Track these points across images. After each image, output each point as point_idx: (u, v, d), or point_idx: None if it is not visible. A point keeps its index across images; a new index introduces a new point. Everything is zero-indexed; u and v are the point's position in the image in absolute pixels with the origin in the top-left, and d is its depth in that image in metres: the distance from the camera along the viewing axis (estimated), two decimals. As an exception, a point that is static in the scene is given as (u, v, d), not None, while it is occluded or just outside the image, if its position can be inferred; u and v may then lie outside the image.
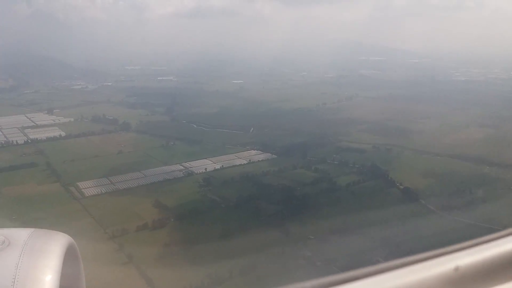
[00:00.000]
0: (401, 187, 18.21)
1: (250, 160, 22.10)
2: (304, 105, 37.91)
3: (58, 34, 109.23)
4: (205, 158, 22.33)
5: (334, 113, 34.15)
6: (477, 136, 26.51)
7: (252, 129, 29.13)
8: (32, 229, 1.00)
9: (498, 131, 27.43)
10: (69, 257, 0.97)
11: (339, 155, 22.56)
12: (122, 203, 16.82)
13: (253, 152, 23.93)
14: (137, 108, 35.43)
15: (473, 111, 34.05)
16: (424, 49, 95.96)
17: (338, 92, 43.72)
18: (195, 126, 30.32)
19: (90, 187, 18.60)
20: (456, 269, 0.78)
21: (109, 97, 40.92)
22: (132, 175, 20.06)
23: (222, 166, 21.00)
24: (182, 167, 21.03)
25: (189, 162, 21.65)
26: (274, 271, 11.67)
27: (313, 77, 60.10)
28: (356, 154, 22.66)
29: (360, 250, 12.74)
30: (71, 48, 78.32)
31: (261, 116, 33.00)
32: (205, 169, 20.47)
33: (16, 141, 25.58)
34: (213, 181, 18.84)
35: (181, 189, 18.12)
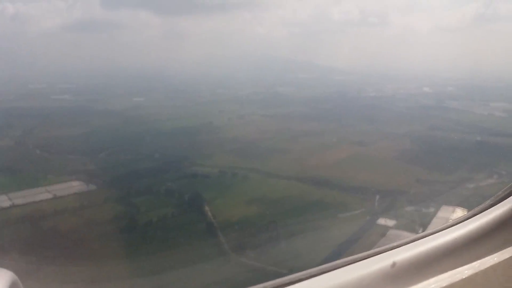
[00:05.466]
0: (211, 220, 15.52)
1: (55, 195, 18.62)
2: (189, 124, 35.11)
3: None
4: (4, 194, 18.69)
5: (213, 132, 31.50)
6: (342, 155, 24.68)
7: (102, 153, 25.70)
8: None
9: (367, 149, 25.78)
10: None
11: (175, 183, 19.64)
12: None
13: (74, 183, 20.49)
14: (-10, 132, 31.06)
15: (358, 127, 32.66)
16: (350, 66, 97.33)
17: (236, 110, 41.40)
18: (38, 151, 26.46)
19: None
20: (393, 264, 0.85)
21: (-29, 120, 36.08)
22: None
23: (12, 204, 17.44)
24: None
25: (-25, 200, 17.92)
26: None
27: (226, 94, 57.82)
28: (194, 181, 19.90)
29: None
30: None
31: (128, 137, 29.79)
32: (-17, 209, 16.89)
33: None
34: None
35: None
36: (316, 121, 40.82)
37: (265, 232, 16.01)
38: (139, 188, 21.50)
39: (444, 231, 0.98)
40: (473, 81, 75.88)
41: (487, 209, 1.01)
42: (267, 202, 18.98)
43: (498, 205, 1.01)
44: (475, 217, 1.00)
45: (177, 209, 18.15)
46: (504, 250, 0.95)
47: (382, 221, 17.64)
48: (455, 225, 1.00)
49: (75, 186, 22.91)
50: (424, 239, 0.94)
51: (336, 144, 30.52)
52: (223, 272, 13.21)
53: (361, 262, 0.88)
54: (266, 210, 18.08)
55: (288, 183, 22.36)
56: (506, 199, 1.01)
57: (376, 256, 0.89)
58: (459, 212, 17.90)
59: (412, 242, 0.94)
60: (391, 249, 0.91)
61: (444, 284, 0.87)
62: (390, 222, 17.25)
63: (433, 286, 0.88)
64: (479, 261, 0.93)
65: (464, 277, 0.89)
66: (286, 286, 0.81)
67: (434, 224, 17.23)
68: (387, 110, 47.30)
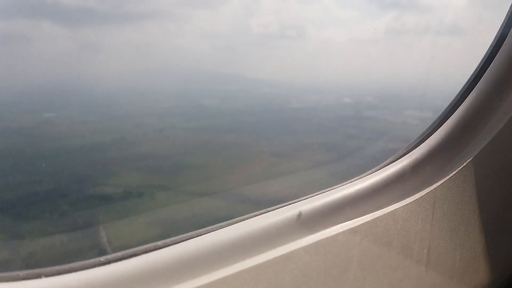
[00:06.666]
0: (105, 247, 13.87)
1: None
2: (100, 140, 32.68)
3: None
4: None
5: (125, 148, 29.53)
6: (257, 168, 24.15)
7: (-8, 176, 22.86)
8: None
9: (282, 160, 25.57)
10: None
11: (72, 206, 17.57)
12: None
13: None
14: None
15: (277, 139, 32.52)
16: (275, 78, 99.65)
17: (155, 124, 39.63)
18: None
19: None
20: (299, 214, 0.98)
21: None
22: None
23: None
24: None
25: None
26: None
27: (146, 108, 55.58)
28: (94, 203, 18.03)
29: None
30: None
31: (29, 157, 26.79)
32: None
33: None
34: None
35: None
36: (237, 133, 40.25)
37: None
38: (29, 214, 18.98)
39: (348, 184, 1.10)
40: (390, 91, 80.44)
41: (387, 165, 1.17)
42: (171, 223, 17.51)
43: (397, 161, 1.18)
44: (377, 171, 1.14)
45: (68, 236, 16.06)
46: (402, 201, 1.10)
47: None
48: (359, 179, 1.13)
49: None
50: (328, 191, 1.05)
51: (253, 157, 29.93)
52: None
53: (268, 213, 0.98)
54: (168, 231, 16.66)
55: (198, 200, 21.10)
56: (403, 156, 1.18)
57: (282, 208, 0.98)
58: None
59: (318, 195, 1.03)
60: (297, 202, 1.00)
61: (349, 228, 0.97)
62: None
63: (340, 230, 0.98)
64: (380, 210, 1.06)
65: (365, 221, 1.00)
66: (193, 237, 0.86)
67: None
68: (308, 121, 48.23)
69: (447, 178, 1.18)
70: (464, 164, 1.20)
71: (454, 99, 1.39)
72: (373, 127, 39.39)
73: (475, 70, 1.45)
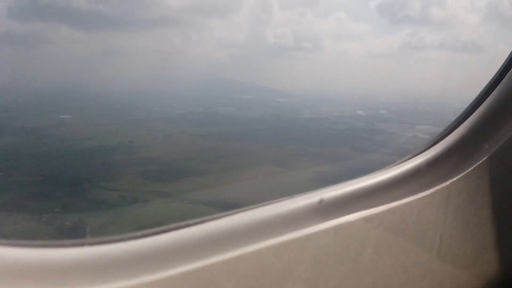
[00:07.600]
0: None
1: None
2: (109, 143, 33.07)
3: None
4: None
5: (131, 152, 29.75)
6: (258, 176, 24.01)
7: (-2, 176, 23.17)
8: None
9: (286, 170, 25.30)
10: None
11: (64, 208, 17.73)
12: None
13: None
14: None
15: (284, 148, 32.33)
16: (291, 88, 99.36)
17: (166, 129, 39.90)
18: None
19: None
20: (320, 201, 1.03)
21: None
22: None
23: None
24: None
25: None
26: None
27: (161, 113, 56.06)
28: (87, 206, 18.21)
29: None
30: None
31: (36, 157, 27.41)
32: None
33: None
34: None
35: None
36: (245, 141, 39.95)
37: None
38: (20, 215, 19.01)
39: (366, 176, 1.14)
40: (405, 105, 78.96)
41: (405, 161, 1.21)
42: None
43: (414, 157, 1.22)
44: (395, 166, 1.19)
45: (54, 239, 15.95)
46: (418, 194, 1.14)
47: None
48: (377, 172, 1.17)
49: None
50: (348, 182, 1.10)
51: (256, 165, 29.59)
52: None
53: (291, 199, 1.02)
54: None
55: (194, 207, 20.84)
56: (421, 153, 1.23)
57: (305, 195, 1.04)
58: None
59: (338, 184, 1.10)
60: (319, 190, 1.06)
61: (366, 215, 1.04)
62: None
63: (358, 217, 1.05)
64: (396, 202, 1.10)
65: (382, 210, 1.07)
66: (224, 217, 0.91)
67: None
68: (318, 132, 47.51)
69: (462, 174, 1.23)
70: (479, 162, 1.24)
71: (472, 102, 1.41)
72: (382, 140, 38.55)
73: (496, 73, 1.46)
